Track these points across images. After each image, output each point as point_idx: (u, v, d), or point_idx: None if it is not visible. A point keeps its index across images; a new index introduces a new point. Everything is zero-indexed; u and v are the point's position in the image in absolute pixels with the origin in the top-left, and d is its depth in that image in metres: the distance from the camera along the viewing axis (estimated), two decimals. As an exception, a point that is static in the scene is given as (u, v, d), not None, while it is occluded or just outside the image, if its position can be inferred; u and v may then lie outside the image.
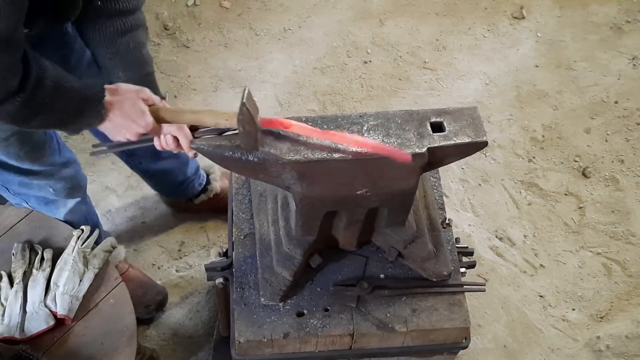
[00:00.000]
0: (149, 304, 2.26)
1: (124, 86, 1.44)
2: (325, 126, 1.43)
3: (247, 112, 1.30)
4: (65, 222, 1.92)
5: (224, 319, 1.88)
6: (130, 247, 2.45)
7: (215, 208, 2.45)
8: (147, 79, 1.61)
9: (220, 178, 2.47)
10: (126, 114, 1.41)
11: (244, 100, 1.29)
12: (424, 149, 1.41)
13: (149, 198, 2.58)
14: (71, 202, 1.98)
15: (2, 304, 1.66)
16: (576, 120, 2.95)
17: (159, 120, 1.44)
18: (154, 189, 2.47)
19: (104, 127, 1.44)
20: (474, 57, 3.15)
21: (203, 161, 1.98)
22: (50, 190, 1.90)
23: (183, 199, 2.45)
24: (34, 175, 1.84)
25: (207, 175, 2.43)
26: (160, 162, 2.19)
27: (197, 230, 2.52)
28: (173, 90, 2.92)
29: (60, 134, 1.92)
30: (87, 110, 1.40)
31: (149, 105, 1.44)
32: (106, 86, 1.42)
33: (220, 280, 1.71)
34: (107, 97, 1.40)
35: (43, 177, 1.86)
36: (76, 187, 1.98)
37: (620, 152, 2.85)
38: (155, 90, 1.55)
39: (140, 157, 2.18)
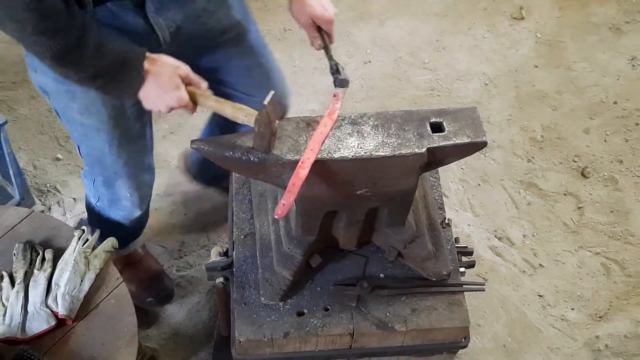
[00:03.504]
0: (151, 297, 2.28)
1: (165, 58, 1.45)
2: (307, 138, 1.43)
3: (266, 114, 1.32)
4: (116, 223, 2.00)
5: (224, 319, 1.88)
6: (131, 247, 2.45)
7: None
8: None
9: None
10: (161, 85, 1.42)
11: (266, 103, 1.31)
12: (424, 149, 1.41)
13: (149, 198, 2.59)
14: (133, 213, 2.03)
15: (4, 304, 1.67)
16: (575, 121, 2.96)
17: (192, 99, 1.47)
18: (197, 178, 2.49)
19: (140, 94, 1.46)
20: (473, 57, 3.15)
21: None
22: (127, 194, 1.93)
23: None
24: (123, 175, 1.86)
25: None
26: None
27: (198, 230, 2.53)
28: (173, 91, 2.92)
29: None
30: (127, 72, 1.41)
31: (186, 85, 1.45)
32: (148, 54, 1.43)
33: (220, 280, 1.71)
34: (146, 65, 1.41)
35: (128, 178, 1.88)
36: (147, 197, 2.02)
37: (619, 153, 2.85)
38: None
39: None
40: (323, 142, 1.40)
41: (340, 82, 1.54)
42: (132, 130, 1.76)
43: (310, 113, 2.88)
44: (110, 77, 1.41)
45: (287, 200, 1.34)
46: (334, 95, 1.51)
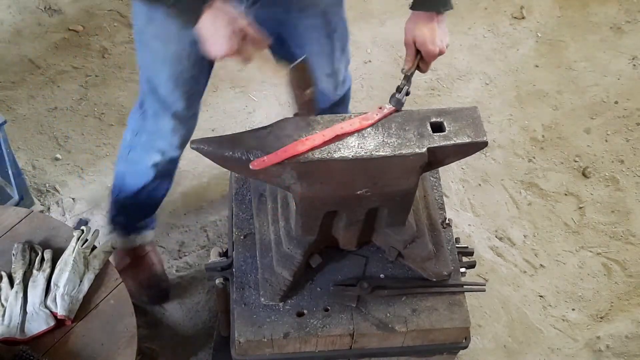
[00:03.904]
0: (145, 295, 2.28)
1: (228, 7, 1.42)
2: (324, 127, 1.43)
3: (294, 76, 1.35)
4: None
5: (224, 319, 1.88)
6: (131, 247, 2.45)
7: None
8: None
9: None
10: (215, 28, 1.40)
11: (292, 66, 1.34)
12: (424, 149, 1.41)
13: (149, 198, 2.58)
14: (169, 153, 2.02)
15: (3, 305, 1.66)
16: (576, 121, 2.95)
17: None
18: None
19: (198, 32, 1.44)
20: (474, 57, 3.15)
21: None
22: (170, 131, 1.92)
23: None
24: (172, 110, 1.86)
25: None
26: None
27: (197, 231, 2.52)
28: (173, 91, 2.92)
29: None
30: (185, 6, 1.41)
31: (244, 36, 1.42)
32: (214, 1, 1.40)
33: (220, 280, 1.71)
34: (210, 5, 1.39)
35: (179, 117, 1.88)
36: (184, 142, 2.00)
37: (620, 152, 2.85)
38: None
39: None
40: (338, 137, 1.39)
41: (396, 101, 1.53)
42: (192, 72, 1.77)
43: (310, 113, 2.87)
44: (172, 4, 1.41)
45: (269, 159, 1.36)
46: (380, 107, 1.51)
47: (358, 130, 1.44)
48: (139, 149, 2.02)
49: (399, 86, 1.56)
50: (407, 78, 1.59)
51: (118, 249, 2.24)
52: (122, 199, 2.15)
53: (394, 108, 1.52)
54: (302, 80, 1.36)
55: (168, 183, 2.18)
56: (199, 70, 1.80)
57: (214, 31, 1.40)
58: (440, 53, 1.60)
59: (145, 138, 1.99)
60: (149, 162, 2.02)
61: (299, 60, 1.35)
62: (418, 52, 1.61)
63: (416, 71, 1.62)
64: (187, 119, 1.92)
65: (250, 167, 1.39)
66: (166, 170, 2.09)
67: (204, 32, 1.41)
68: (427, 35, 1.57)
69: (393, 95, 1.54)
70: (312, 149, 1.39)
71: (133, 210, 2.21)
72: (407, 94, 1.56)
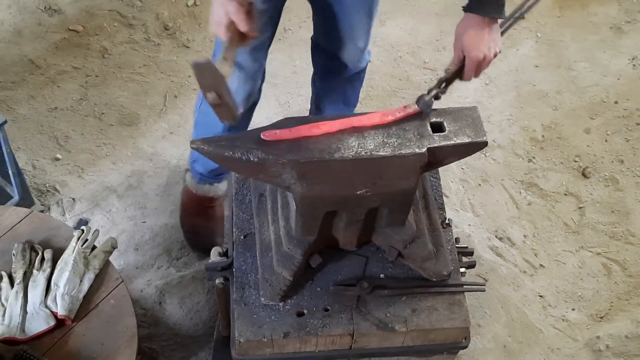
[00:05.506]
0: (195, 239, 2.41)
1: None
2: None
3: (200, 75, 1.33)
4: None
5: (224, 319, 1.88)
6: (131, 247, 2.45)
7: None
8: None
9: None
10: (215, 8, 1.39)
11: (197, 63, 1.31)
12: (424, 149, 1.41)
13: (149, 198, 2.58)
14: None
15: (3, 305, 1.67)
16: (576, 121, 2.95)
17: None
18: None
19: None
20: (473, 57, 3.15)
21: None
22: (237, 86, 1.93)
23: None
24: (240, 65, 1.88)
25: None
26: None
27: (197, 231, 2.53)
28: (173, 90, 2.92)
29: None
30: None
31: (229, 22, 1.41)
32: None
33: (220, 280, 1.71)
34: None
35: (243, 70, 1.90)
36: (250, 96, 2.03)
37: (620, 152, 2.85)
38: None
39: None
40: (355, 129, 1.40)
41: (423, 103, 1.47)
42: (260, 22, 1.73)
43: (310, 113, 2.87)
44: None
45: (281, 133, 1.39)
46: (406, 106, 1.47)
47: (376, 125, 1.42)
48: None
49: (431, 88, 1.51)
50: (441, 82, 1.52)
51: (194, 191, 2.34)
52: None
53: (418, 109, 1.47)
54: (208, 80, 1.33)
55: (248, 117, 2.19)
56: (264, 21, 1.79)
57: (214, 8, 1.40)
58: (486, 61, 1.54)
59: None
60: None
61: (204, 60, 1.32)
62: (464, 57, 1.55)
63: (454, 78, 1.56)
64: (253, 72, 1.93)
65: (262, 136, 1.39)
66: (233, 126, 2.08)
67: (212, 7, 1.41)
68: (474, 40, 1.52)
69: (421, 97, 1.48)
70: (325, 134, 1.39)
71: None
72: (437, 97, 1.50)
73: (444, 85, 1.53)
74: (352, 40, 1.99)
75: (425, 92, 1.49)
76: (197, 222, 2.42)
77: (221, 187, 2.39)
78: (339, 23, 1.92)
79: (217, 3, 1.39)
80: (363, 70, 2.22)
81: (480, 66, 1.55)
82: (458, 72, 1.57)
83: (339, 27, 1.94)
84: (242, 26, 1.39)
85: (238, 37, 1.41)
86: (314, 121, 1.44)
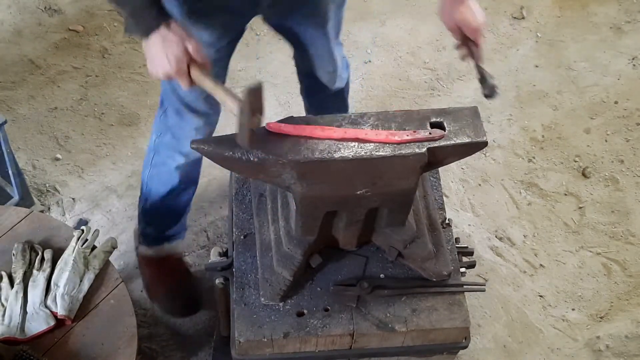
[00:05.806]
0: (176, 306, 2.28)
1: (179, 28, 1.43)
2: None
3: (245, 104, 1.31)
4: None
5: (224, 319, 1.88)
6: (131, 247, 2.45)
7: None
8: None
9: None
10: (164, 47, 1.41)
11: (247, 92, 1.30)
12: (424, 149, 1.41)
13: (149, 198, 2.58)
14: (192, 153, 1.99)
15: (3, 305, 1.67)
16: (576, 121, 2.95)
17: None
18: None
19: (145, 48, 1.45)
20: (473, 57, 3.15)
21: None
22: (194, 132, 1.92)
23: None
24: (197, 111, 1.87)
25: None
26: None
27: (197, 231, 2.52)
28: (173, 91, 2.92)
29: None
30: (141, 20, 1.43)
31: (191, 59, 1.43)
32: (170, 22, 1.42)
33: (220, 280, 1.71)
34: (161, 28, 1.41)
35: (200, 115, 1.89)
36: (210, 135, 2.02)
37: (620, 152, 2.85)
38: None
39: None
40: (358, 139, 1.40)
41: (489, 88, 1.52)
42: (213, 71, 1.74)
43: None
44: (127, 14, 1.43)
45: (285, 128, 1.42)
46: (415, 131, 1.44)
47: (381, 142, 1.41)
48: (163, 150, 2.02)
49: (480, 78, 1.56)
50: (477, 65, 1.59)
51: (149, 256, 2.24)
52: (150, 207, 2.14)
53: (430, 135, 1.44)
54: (255, 103, 1.34)
55: (193, 188, 2.17)
56: (216, 69, 1.78)
57: (161, 50, 1.41)
58: (481, 26, 1.60)
59: (169, 138, 1.98)
60: (173, 164, 2.01)
61: (256, 83, 1.33)
62: (465, 37, 1.60)
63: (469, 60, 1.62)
64: (209, 116, 1.92)
65: (266, 127, 1.41)
66: (191, 173, 2.09)
67: (151, 50, 1.42)
68: (467, 12, 1.57)
69: (485, 85, 1.54)
70: (328, 138, 1.40)
71: (161, 218, 2.19)
72: (492, 76, 1.55)
73: (481, 69, 1.59)
74: (321, 68, 2.02)
75: (482, 80, 1.55)
76: (171, 285, 2.27)
77: (176, 247, 2.28)
78: (305, 53, 1.96)
79: (169, 43, 1.40)
80: (346, 85, 2.21)
81: (481, 34, 1.62)
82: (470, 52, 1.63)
83: (306, 56, 1.98)
84: (201, 57, 1.43)
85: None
86: (319, 124, 1.44)
